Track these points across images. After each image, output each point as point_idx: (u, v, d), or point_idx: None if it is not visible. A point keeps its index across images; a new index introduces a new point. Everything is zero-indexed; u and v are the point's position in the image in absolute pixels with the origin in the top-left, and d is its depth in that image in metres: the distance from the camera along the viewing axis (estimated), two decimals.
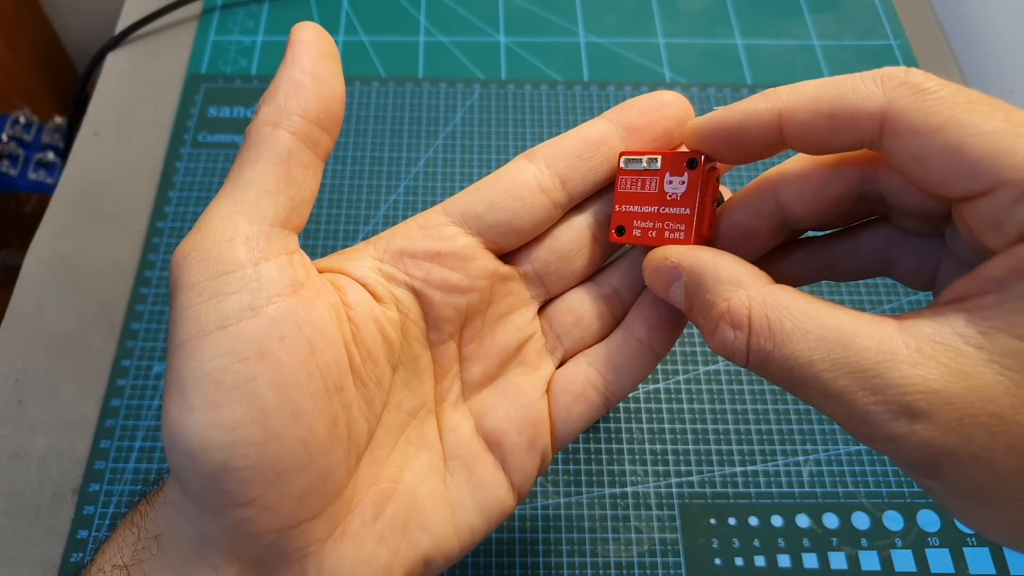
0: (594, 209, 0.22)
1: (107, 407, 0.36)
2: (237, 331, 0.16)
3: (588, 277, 0.23)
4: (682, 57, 0.49)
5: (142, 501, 0.19)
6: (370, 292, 0.20)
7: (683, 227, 0.20)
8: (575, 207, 0.22)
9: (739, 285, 0.17)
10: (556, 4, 0.52)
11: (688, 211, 0.20)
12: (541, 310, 0.23)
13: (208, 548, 0.18)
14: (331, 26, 0.50)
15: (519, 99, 0.46)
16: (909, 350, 0.15)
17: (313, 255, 0.24)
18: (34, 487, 0.34)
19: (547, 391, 0.22)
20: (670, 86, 0.47)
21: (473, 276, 0.21)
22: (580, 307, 0.22)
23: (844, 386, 0.15)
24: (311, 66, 0.18)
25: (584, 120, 0.21)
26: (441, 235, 0.21)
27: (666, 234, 0.20)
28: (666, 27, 0.51)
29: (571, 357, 0.22)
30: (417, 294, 0.21)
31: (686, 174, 0.20)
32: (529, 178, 0.20)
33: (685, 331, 0.38)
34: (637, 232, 0.20)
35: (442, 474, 0.21)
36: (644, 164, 0.20)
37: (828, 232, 0.21)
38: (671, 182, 0.20)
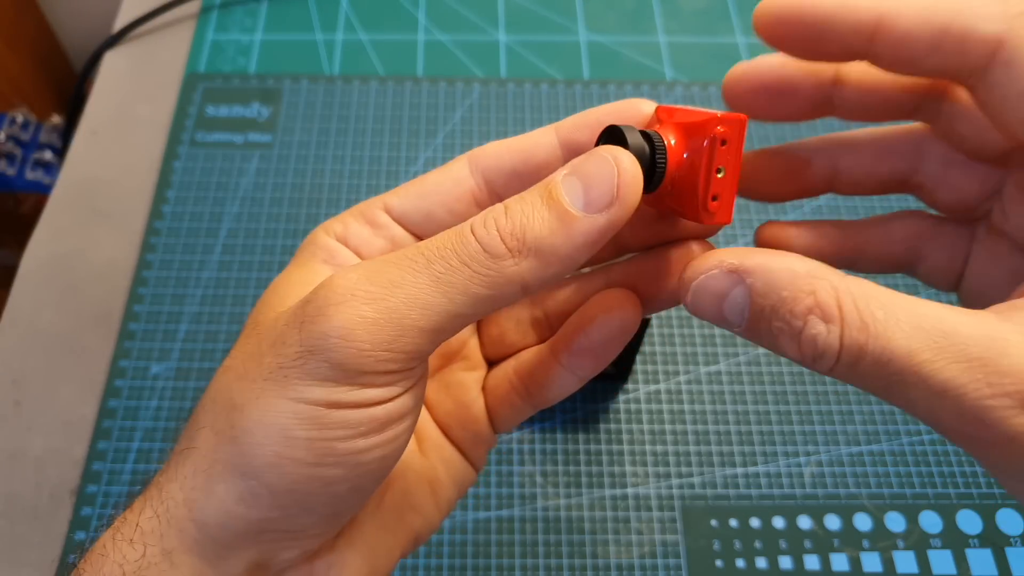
0: None
1: (105, 408, 0.36)
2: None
3: None
4: (683, 55, 0.49)
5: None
6: None
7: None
8: None
9: (819, 276, 0.15)
10: (556, 2, 0.51)
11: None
12: None
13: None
14: (330, 24, 0.50)
15: (519, 98, 0.46)
16: (1022, 336, 0.13)
17: None
18: (31, 488, 0.34)
19: (483, 388, 0.23)
20: (671, 85, 0.47)
21: None
22: (506, 324, 0.22)
23: (951, 378, 0.13)
24: None
25: None
26: (391, 236, 0.20)
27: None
28: (667, 25, 0.50)
29: (502, 358, 0.23)
30: None
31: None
32: (466, 193, 0.20)
33: (686, 331, 0.38)
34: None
35: (419, 456, 0.22)
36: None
37: (861, 219, 0.20)
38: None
